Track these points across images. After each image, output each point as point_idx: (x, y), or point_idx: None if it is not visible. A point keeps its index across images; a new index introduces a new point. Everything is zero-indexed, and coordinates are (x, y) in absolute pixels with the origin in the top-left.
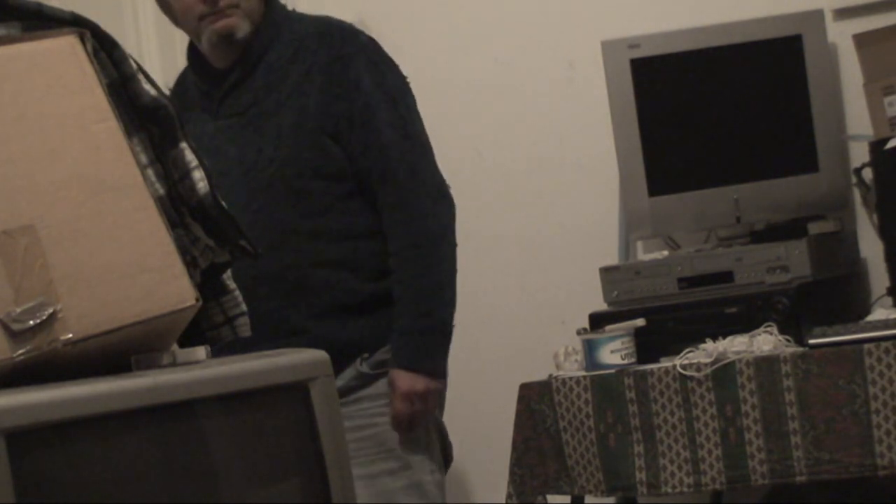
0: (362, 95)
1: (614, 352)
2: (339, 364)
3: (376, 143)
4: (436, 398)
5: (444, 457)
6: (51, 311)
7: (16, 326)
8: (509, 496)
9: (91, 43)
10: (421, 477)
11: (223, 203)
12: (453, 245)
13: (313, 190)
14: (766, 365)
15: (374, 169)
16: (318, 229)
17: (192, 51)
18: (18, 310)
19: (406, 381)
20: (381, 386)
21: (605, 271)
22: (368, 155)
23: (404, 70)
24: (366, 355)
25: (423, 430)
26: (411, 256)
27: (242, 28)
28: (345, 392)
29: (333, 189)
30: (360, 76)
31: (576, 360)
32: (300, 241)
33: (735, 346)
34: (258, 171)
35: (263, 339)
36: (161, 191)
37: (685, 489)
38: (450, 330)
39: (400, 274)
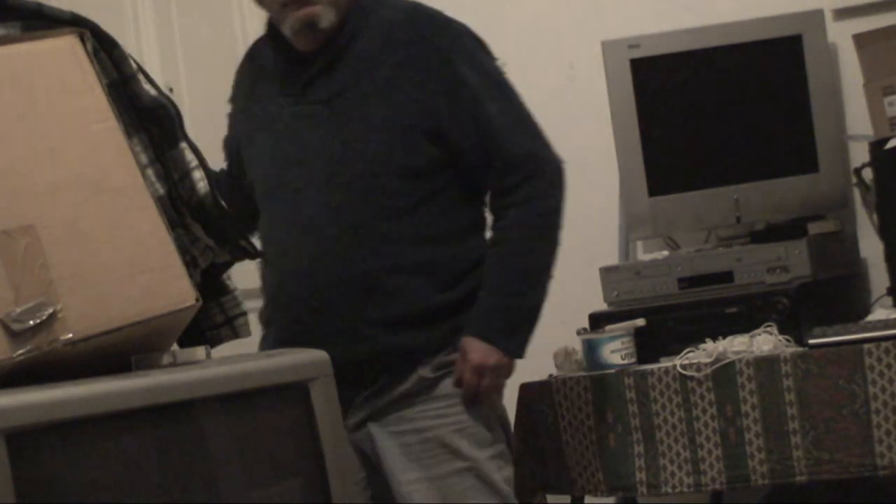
0: (467, 89)
1: (614, 352)
2: (400, 370)
3: (489, 134)
4: (506, 375)
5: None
6: (51, 311)
7: (16, 326)
8: None
9: (91, 43)
10: (490, 475)
11: (223, 203)
12: (560, 229)
13: (398, 189)
14: (766, 365)
15: (489, 159)
16: (399, 232)
17: (274, 28)
18: (18, 310)
19: (480, 352)
20: (443, 387)
21: (605, 271)
22: (483, 147)
23: None
24: (427, 359)
25: (486, 426)
26: (518, 236)
27: (327, 18)
28: (407, 396)
29: (417, 190)
30: (462, 70)
31: (576, 360)
32: (379, 243)
33: (735, 346)
34: (343, 164)
35: (322, 343)
36: (161, 191)
37: (685, 489)
38: (537, 316)
39: (500, 249)
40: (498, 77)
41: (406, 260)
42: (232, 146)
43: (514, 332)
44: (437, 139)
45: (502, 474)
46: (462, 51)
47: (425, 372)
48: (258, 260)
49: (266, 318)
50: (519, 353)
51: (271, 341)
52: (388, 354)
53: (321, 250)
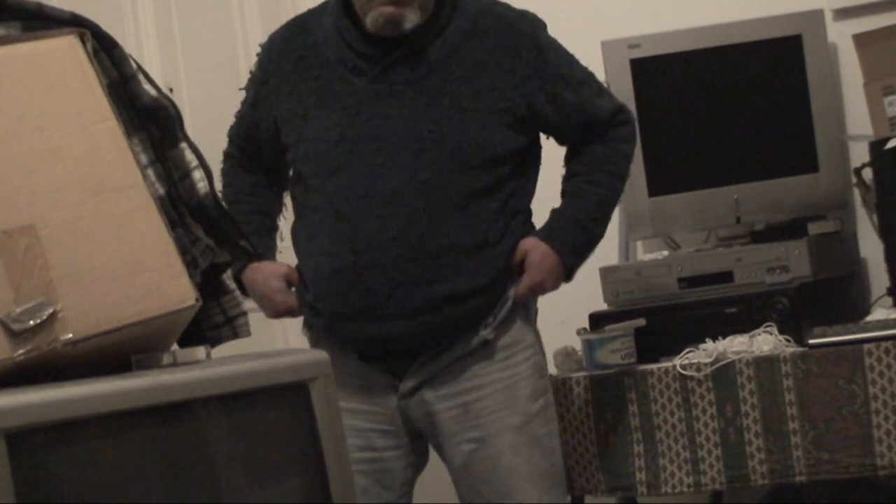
0: (555, 69)
1: (614, 352)
2: (461, 336)
3: (582, 104)
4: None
5: None
6: (51, 311)
7: (16, 326)
8: None
9: (91, 43)
10: (537, 431)
11: (223, 203)
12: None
13: (485, 168)
14: (766, 365)
15: (586, 124)
16: (480, 211)
17: (347, 6)
18: (18, 310)
19: (544, 271)
20: (499, 343)
21: (605, 271)
22: (578, 117)
23: None
24: (490, 319)
25: (539, 374)
26: (607, 169)
27: (411, 20)
28: (464, 357)
29: (499, 171)
30: (548, 53)
31: (576, 360)
32: (464, 220)
33: (735, 346)
34: (434, 142)
35: (394, 316)
36: (161, 191)
37: (685, 489)
38: (593, 249)
39: (590, 178)
40: (568, 52)
41: (482, 237)
42: (261, 125)
43: (581, 254)
44: (526, 121)
45: (548, 428)
46: (543, 36)
47: (486, 334)
48: (301, 239)
49: (324, 291)
50: (571, 274)
51: (324, 315)
52: (453, 323)
53: (408, 223)
